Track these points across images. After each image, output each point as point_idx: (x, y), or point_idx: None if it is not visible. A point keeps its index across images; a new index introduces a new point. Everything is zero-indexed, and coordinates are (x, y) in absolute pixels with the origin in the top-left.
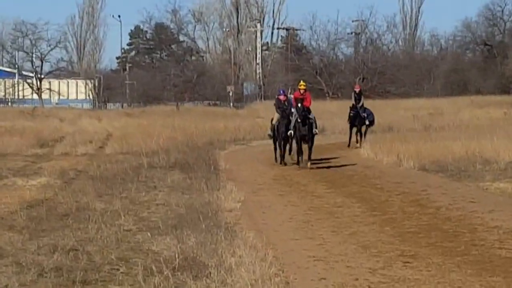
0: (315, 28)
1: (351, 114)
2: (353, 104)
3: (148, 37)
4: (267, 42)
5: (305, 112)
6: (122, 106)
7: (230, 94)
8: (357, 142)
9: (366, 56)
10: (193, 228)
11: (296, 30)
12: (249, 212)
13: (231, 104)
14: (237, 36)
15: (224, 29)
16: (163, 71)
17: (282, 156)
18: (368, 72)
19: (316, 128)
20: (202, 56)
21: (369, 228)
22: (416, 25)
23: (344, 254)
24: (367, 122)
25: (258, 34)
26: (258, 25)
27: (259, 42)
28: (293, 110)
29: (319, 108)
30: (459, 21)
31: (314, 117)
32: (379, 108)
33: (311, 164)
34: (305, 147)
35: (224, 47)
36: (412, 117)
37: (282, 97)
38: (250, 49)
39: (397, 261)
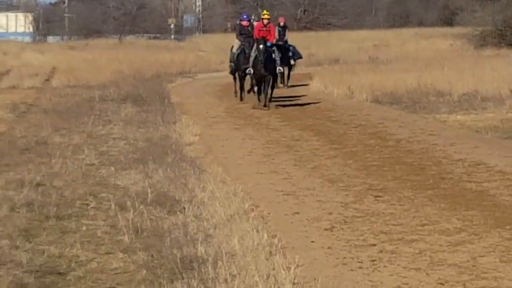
0: None
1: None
2: (276, 40)
3: None
4: None
5: (267, 53)
6: (62, 39)
7: (172, 27)
8: (281, 82)
9: None
10: (158, 163)
11: None
12: (208, 146)
13: (172, 37)
14: None
15: None
16: (103, 3)
17: (241, 90)
18: (310, 4)
19: (279, 65)
20: None
21: (332, 161)
22: None
23: (311, 188)
24: (292, 62)
25: None
26: None
27: None
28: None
29: None
30: None
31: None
32: (323, 40)
33: (270, 103)
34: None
35: None
36: (358, 49)
37: (244, 23)
38: None
39: (367, 195)
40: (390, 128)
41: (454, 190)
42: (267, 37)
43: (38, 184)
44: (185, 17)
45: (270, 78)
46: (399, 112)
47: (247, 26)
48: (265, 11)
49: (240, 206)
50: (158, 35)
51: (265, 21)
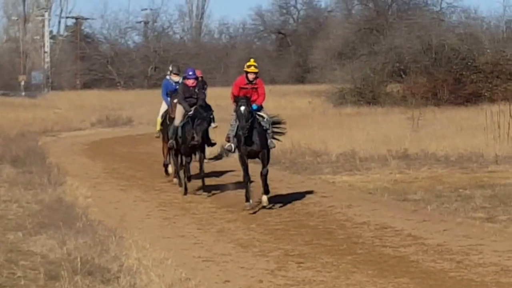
0: (107, 17)
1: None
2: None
3: None
4: (55, 31)
5: (253, 119)
6: None
7: (22, 83)
8: None
9: (158, 45)
10: (67, 228)
11: (85, 19)
12: (103, 209)
13: (23, 94)
14: (24, 24)
15: (11, 18)
16: None
17: (188, 176)
18: (160, 61)
19: (271, 136)
20: None
21: (234, 225)
22: (202, 13)
23: (227, 253)
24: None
25: (46, 22)
26: (46, 13)
27: (47, 31)
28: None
29: (115, 98)
30: (252, 9)
31: (269, 119)
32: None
33: (267, 199)
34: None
35: (9, 35)
36: (215, 107)
37: (190, 82)
38: (38, 37)
39: (287, 261)
40: (280, 189)
41: (374, 256)
42: (253, 98)
43: None
44: (33, 73)
45: (264, 156)
46: (282, 173)
47: (193, 87)
48: (252, 60)
49: (176, 275)
50: (6, 91)
51: (251, 76)
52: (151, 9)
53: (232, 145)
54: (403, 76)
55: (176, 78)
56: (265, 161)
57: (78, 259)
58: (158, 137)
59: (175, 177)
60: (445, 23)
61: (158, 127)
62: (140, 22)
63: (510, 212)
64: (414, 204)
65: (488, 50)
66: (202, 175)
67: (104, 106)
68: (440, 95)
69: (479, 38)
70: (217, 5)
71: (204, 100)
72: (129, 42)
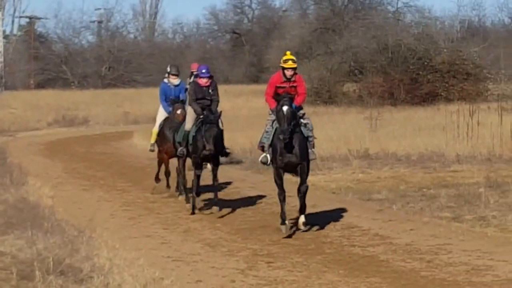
0: (60, 16)
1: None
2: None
3: None
4: (8, 31)
5: (295, 122)
6: None
7: None
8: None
9: (112, 45)
10: (35, 228)
11: (39, 18)
12: (66, 209)
13: None
14: None
15: None
16: None
17: (197, 191)
18: (114, 61)
19: (313, 146)
20: None
21: (200, 224)
22: (156, 13)
23: (196, 253)
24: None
25: (0, 22)
26: (0, 13)
27: (0, 31)
28: None
29: (70, 98)
30: (206, 9)
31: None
32: (133, 97)
33: (305, 224)
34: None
35: None
36: None
37: (203, 81)
38: None
39: (257, 261)
40: (243, 189)
41: (343, 255)
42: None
43: None
44: None
45: (303, 167)
46: (244, 172)
47: (207, 86)
48: (288, 53)
49: (147, 275)
50: None
51: (289, 72)
52: (105, 9)
53: (268, 156)
54: (360, 75)
55: (176, 81)
56: (304, 176)
57: (50, 259)
58: (152, 150)
59: (181, 193)
60: (401, 23)
61: (153, 139)
62: (94, 21)
63: (476, 212)
64: (379, 204)
65: (445, 50)
66: (215, 185)
67: (59, 106)
68: (397, 94)
69: (435, 38)
70: (170, 5)
71: (217, 102)
72: (83, 42)
